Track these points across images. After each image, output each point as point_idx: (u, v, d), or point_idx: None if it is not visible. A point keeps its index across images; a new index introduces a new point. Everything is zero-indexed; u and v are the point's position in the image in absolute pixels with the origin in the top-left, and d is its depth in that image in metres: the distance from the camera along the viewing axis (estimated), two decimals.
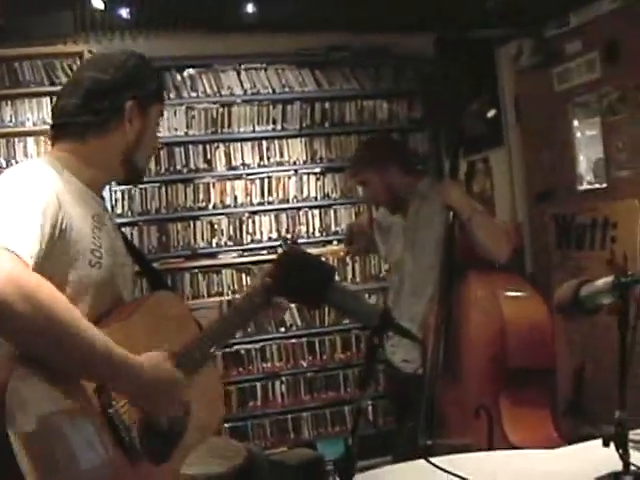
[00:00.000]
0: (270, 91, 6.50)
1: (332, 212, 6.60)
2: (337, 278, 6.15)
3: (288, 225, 6.44)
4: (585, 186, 5.30)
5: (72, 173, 2.24)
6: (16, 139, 5.94)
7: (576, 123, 5.34)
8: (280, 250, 2.89)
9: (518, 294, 3.57)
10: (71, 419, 1.92)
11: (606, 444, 1.98)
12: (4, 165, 5.83)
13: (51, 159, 2.26)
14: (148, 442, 2.12)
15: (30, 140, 5.92)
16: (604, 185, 5.10)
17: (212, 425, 2.54)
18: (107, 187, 5.91)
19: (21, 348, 1.88)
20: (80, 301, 2.10)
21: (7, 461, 1.74)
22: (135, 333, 2.19)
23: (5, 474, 1.76)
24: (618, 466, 1.95)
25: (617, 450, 1.93)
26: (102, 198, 2.44)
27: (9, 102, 5.95)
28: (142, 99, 2.33)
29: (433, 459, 2.14)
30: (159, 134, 2.53)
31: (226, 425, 6.04)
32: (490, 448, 3.14)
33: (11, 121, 5.95)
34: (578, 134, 5.34)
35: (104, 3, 5.20)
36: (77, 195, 2.22)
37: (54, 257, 2.04)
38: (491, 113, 4.15)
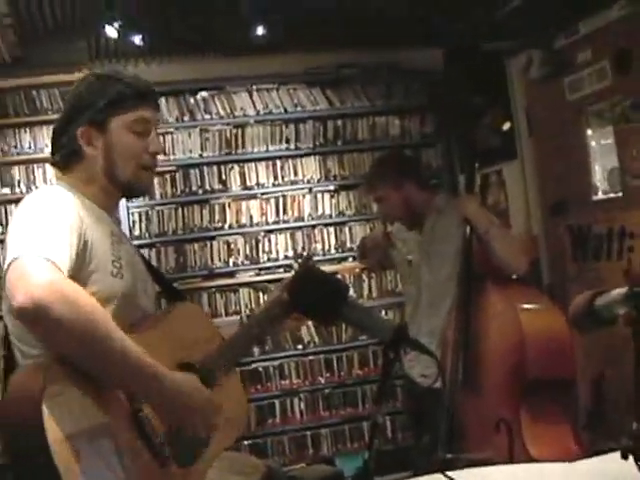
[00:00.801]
0: (282, 111, 6.54)
1: (347, 229, 6.62)
2: (352, 295, 6.16)
3: (304, 243, 6.45)
4: (600, 196, 5.25)
5: (82, 195, 2.33)
6: (35, 165, 6.05)
7: (589, 132, 5.31)
8: (296, 267, 2.92)
9: (536, 306, 3.56)
10: (103, 425, 1.96)
11: (624, 457, 1.97)
12: (24, 190, 5.91)
13: (63, 184, 2.36)
14: (176, 446, 2.16)
15: (48, 166, 5.97)
16: (619, 194, 5.05)
17: (237, 428, 2.56)
18: (124, 209, 5.97)
19: (57, 350, 1.95)
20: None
21: (45, 468, 1.79)
22: (160, 343, 2.22)
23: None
24: (637, 479, 1.94)
25: (636, 462, 1.93)
26: (118, 221, 2.49)
27: (28, 129, 6.05)
28: (93, 120, 2.35)
29: (451, 473, 2.15)
30: (154, 149, 2.46)
31: (245, 442, 6.05)
32: (510, 462, 3.13)
33: (30, 148, 6.04)
34: (592, 143, 5.30)
35: (117, 32, 5.26)
36: (94, 214, 2.30)
37: (80, 269, 2.12)
38: (506, 126, 4.16)
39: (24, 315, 1.90)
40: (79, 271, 2.12)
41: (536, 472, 2.51)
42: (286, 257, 6.33)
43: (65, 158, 2.38)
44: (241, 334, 2.60)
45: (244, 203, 6.45)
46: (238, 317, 2.79)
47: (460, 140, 6.37)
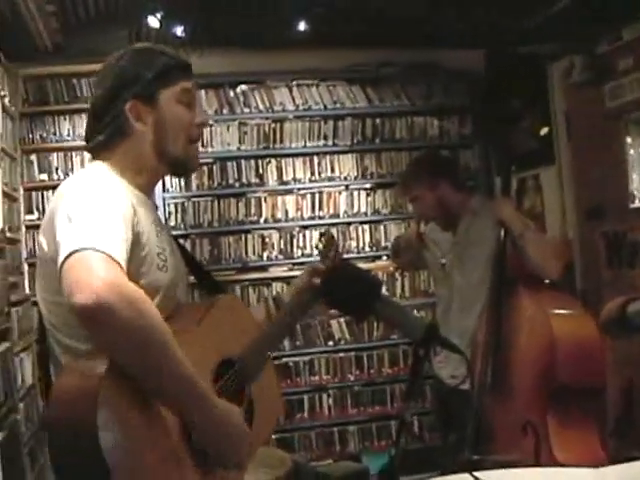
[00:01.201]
0: (322, 107, 6.56)
1: (382, 228, 6.64)
2: (385, 292, 6.16)
3: (338, 240, 6.46)
4: (637, 204, 5.22)
5: (125, 178, 2.26)
6: (73, 153, 6.12)
7: (629, 140, 5.27)
8: (319, 244, 2.91)
9: (568, 311, 3.53)
10: (152, 432, 1.91)
11: None
12: (62, 177, 5.95)
13: (105, 165, 2.27)
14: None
15: (87, 154, 6.03)
16: None
17: (272, 424, 2.55)
18: (161, 200, 6.01)
19: (111, 352, 1.86)
20: None
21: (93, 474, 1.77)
22: (205, 338, 2.19)
23: None
24: None
25: None
26: (155, 206, 2.45)
27: (67, 117, 6.13)
28: (141, 94, 2.26)
29: (479, 473, 2.15)
30: (201, 120, 2.41)
31: (273, 436, 6.07)
32: (537, 465, 3.13)
33: (69, 135, 6.13)
34: (631, 151, 5.27)
35: (159, 22, 5.29)
36: (139, 201, 2.24)
37: (131, 263, 2.03)
38: (544, 131, 4.15)
39: (86, 314, 1.80)
40: (130, 265, 2.01)
41: (565, 476, 2.49)
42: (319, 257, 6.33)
43: (110, 137, 2.27)
44: (276, 325, 2.58)
45: (280, 198, 6.48)
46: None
47: (498, 142, 6.36)
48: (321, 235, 2.91)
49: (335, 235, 6.42)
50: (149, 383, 1.91)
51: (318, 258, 2.93)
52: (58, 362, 2.15)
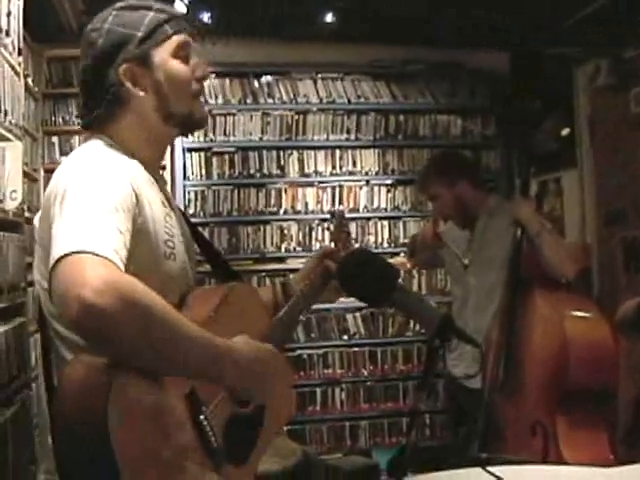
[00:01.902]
0: (345, 101, 6.57)
1: (401, 224, 6.64)
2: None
3: (357, 234, 6.49)
4: None
5: (129, 151, 2.13)
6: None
7: None
8: (331, 226, 2.90)
9: (582, 314, 3.52)
10: (163, 427, 1.84)
11: None
12: None
13: (105, 138, 2.13)
14: (231, 445, 2.06)
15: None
16: None
17: (285, 417, 2.45)
18: (181, 187, 6.04)
19: (123, 358, 1.76)
20: (158, 294, 1.87)
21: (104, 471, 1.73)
22: (225, 328, 2.09)
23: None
24: None
25: None
26: (164, 180, 2.33)
27: None
28: (133, 56, 2.10)
29: (492, 468, 2.15)
30: (201, 73, 2.23)
31: (284, 427, 6.08)
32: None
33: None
34: None
35: (186, 7, 5.31)
36: (144, 178, 2.11)
37: (133, 253, 1.90)
38: (565, 132, 4.14)
39: (81, 329, 1.72)
40: (133, 258, 1.88)
41: (577, 474, 2.49)
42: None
43: (107, 109, 2.13)
44: (289, 311, 2.49)
45: (300, 190, 6.49)
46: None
47: (519, 144, 6.35)
48: (332, 214, 2.88)
49: (350, 225, 6.46)
50: (168, 370, 1.85)
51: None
52: (59, 354, 2.05)
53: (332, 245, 2.86)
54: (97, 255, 1.74)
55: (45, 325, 2.10)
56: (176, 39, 2.17)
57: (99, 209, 1.84)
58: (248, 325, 2.23)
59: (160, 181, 2.26)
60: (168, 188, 2.43)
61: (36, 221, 2.10)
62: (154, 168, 2.24)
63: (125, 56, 2.10)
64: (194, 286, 2.30)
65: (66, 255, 1.74)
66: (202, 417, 1.95)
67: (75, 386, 1.77)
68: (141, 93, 2.12)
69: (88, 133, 2.22)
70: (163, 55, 2.14)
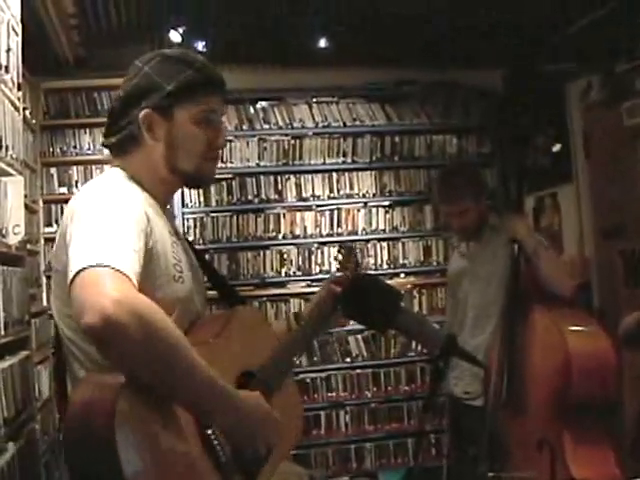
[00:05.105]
0: (341, 124, 6.60)
1: (400, 245, 6.66)
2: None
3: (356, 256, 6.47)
4: None
5: (141, 185, 2.21)
6: (93, 166, 6.14)
7: None
8: (339, 257, 2.93)
9: (583, 329, 3.51)
10: (171, 442, 1.88)
11: None
12: None
13: (121, 170, 2.23)
14: (240, 461, 2.09)
15: (107, 168, 6.05)
16: None
17: (294, 440, 2.49)
18: (180, 214, 6.05)
19: (124, 369, 1.81)
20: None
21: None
22: (224, 351, 2.16)
23: None
24: None
25: None
26: (173, 215, 2.40)
27: (88, 130, 6.17)
28: (157, 105, 2.18)
29: None
30: (220, 140, 2.33)
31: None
32: None
33: (89, 149, 6.17)
34: None
35: (181, 37, 5.35)
36: (154, 209, 2.17)
37: (146, 276, 1.96)
38: (555, 148, 4.15)
39: (95, 336, 1.74)
40: (145, 278, 1.93)
41: None
42: (338, 269, 6.33)
43: (122, 142, 2.22)
44: (296, 336, 2.56)
45: (299, 214, 6.52)
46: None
47: (512, 160, 6.36)
48: (340, 247, 2.91)
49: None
50: (168, 393, 1.88)
51: (337, 274, 2.93)
52: (74, 374, 2.11)
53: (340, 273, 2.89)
54: (116, 270, 1.80)
55: (60, 348, 2.16)
56: (203, 104, 2.25)
57: (116, 228, 1.91)
58: (253, 348, 2.29)
59: (167, 213, 2.31)
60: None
61: (53, 249, 2.15)
62: (163, 201, 2.31)
63: (149, 103, 2.18)
64: (203, 312, 2.33)
65: (86, 268, 1.80)
66: (209, 431, 1.98)
67: (83, 405, 1.80)
68: (152, 141, 2.20)
69: (95, 157, 2.34)
70: (185, 116, 2.22)
